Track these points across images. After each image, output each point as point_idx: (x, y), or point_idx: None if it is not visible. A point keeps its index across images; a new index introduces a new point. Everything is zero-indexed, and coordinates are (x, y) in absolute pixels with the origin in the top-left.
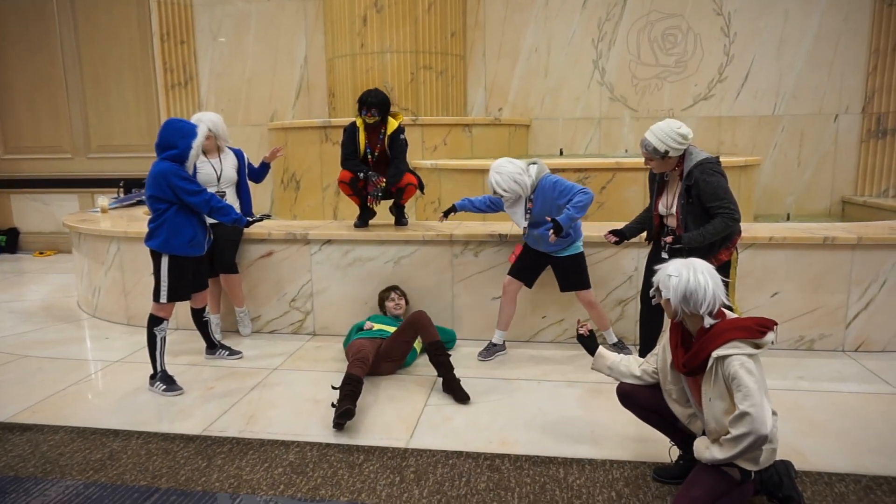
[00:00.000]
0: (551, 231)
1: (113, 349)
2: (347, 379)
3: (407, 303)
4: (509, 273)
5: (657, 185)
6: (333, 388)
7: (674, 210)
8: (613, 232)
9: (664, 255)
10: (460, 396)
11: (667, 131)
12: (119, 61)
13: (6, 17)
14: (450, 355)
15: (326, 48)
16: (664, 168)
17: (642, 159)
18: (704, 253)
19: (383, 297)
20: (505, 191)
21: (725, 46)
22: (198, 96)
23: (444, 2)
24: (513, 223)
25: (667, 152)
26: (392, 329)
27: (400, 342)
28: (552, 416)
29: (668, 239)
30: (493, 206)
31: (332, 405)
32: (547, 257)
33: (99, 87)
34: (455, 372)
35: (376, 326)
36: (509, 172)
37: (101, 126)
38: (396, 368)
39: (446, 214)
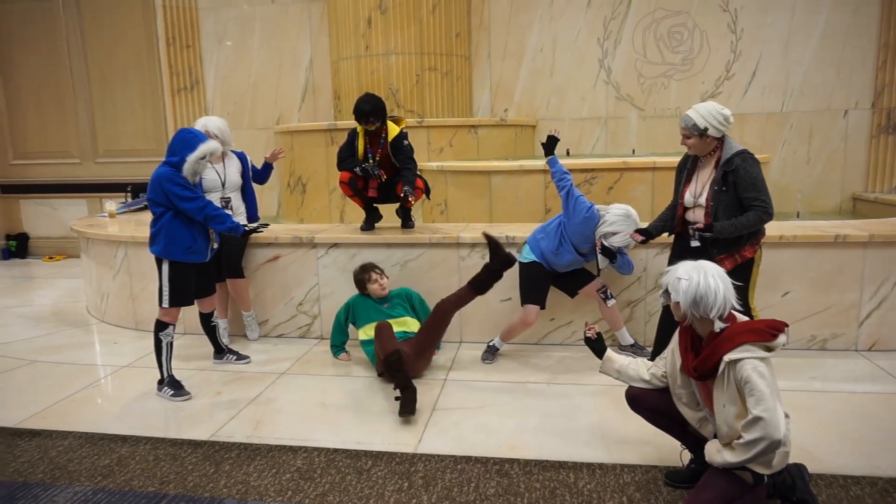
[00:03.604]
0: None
1: (121, 354)
2: (389, 363)
3: (387, 278)
4: (533, 302)
5: (686, 174)
6: (396, 396)
7: (702, 199)
8: (639, 231)
9: (694, 244)
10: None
11: (710, 109)
12: (125, 66)
13: (13, 22)
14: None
15: (331, 51)
16: (701, 150)
17: (650, 158)
18: (731, 246)
19: (362, 279)
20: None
21: (732, 43)
22: (204, 100)
23: (448, 3)
24: (519, 225)
25: (706, 129)
26: (392, 324)
27: (430, 341)
28: (561, 419)
29: (699, 225)
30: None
31: (396, 398)
32: (552, 275)
33: (106, 92)
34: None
35: (371, 331)
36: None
37: (108, 131)
38: (423, 370)
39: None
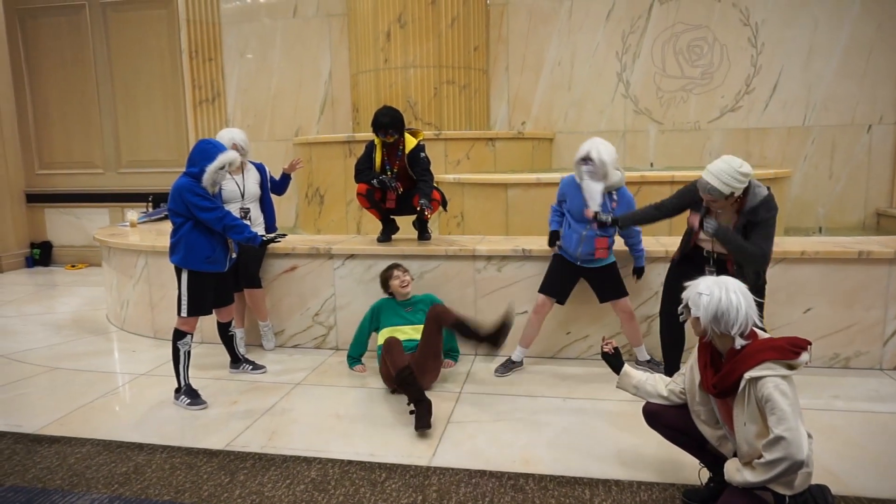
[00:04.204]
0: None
1: (140, 362)
2: (401, 378)
3: (411, 278)
4: (542, 291)
5: (705, 209)
6: (410, 410)
7: None
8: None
9: (709, 270)
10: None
11: (729, 172)
12: (149, 78)
13: (41, 34)
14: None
15: (351, 64)
16: (728, 206)
17: (668, 172)
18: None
19: (385, 277)
20: (595, 159)
21: (753, 57)
22: (225, 112)
23: (467, 16)
24: (536, 238)
25: (732, 193)
26: (409, 332)
27: (430, 351)
28: (577, 434)
29: (704, 221)
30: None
31: (411, 412)
32: (580, 270)
33: (129, 104)
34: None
35: (389, 334)
36: (610, 151)
37: (131, 142)
38: (432, 382)
39: (553, 243)
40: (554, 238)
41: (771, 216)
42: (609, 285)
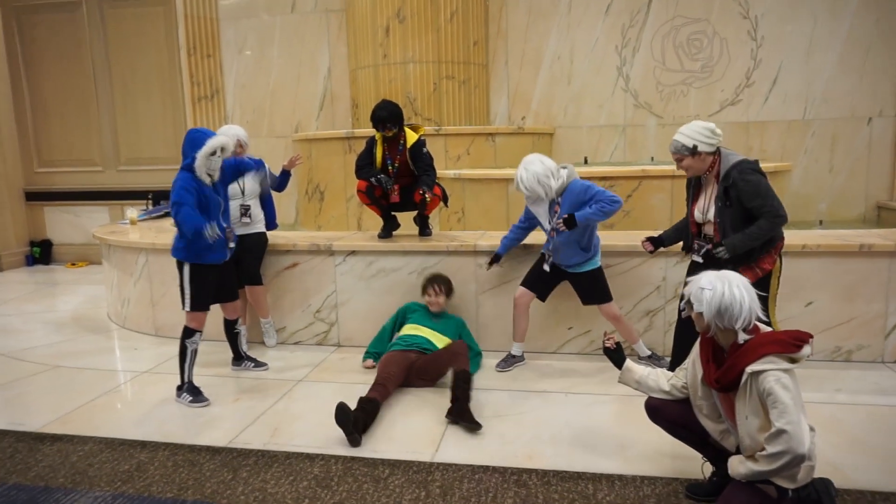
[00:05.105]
0: (561, 222)
1: (141, 360)
2: (364, 401)
3: (448, 297)
4: (522, 284)
5: (692, 191)
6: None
7: (710, 216)
8: (650, 239)
9: (695, 258)
10: (470, 425)
11: (693, 127)
12: (147, 75)
13: (40, 33)
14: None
15: (349, 59)
16: (698, 168)
17: (669, 167)
18: (744, 259)
19: (424, 285)
20: (526, 188)
21: (752, 51)
22: (224, 109)
23: (466, 11)
24: (535, 233)
25: (696, 147)
26: (429, 333)
27: (437, 366)
28: (580, 429)
29: (709, 247)
30: (526, 224)
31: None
32: (561, 272)
33: (128, 101)
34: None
35: (410, 329)
36: (535, 172)
37: (130, 139)
38: (430, 385)
39: (491, 264)
40: (494, 260)
41: (745, 175)
42: (589, 291)
